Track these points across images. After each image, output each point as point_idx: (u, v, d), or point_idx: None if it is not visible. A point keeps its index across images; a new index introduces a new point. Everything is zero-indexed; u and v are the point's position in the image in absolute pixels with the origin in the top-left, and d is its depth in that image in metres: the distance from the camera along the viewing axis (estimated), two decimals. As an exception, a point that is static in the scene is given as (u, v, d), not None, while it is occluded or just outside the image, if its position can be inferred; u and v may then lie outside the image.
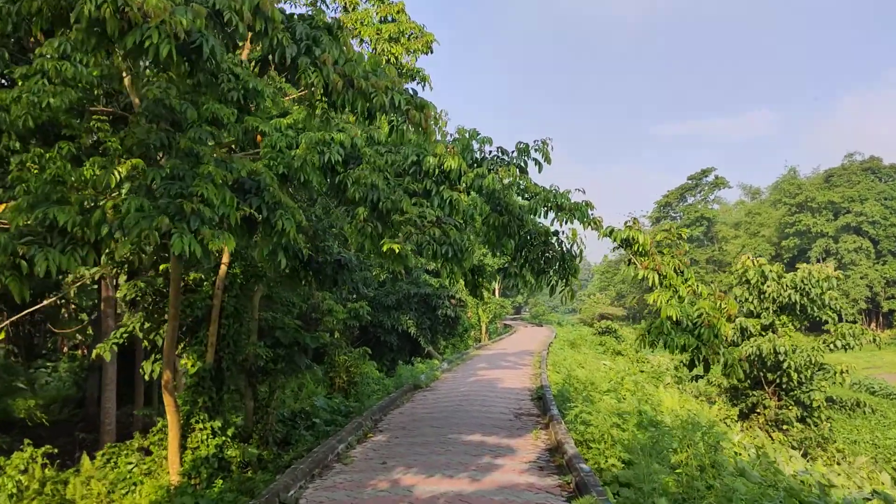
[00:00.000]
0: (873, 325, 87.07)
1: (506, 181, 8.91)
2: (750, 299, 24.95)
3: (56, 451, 14.02)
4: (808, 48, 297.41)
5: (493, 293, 73.19)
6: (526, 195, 8.92)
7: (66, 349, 34.81)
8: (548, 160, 9.17)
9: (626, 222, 8.77)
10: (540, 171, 9.20)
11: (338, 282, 15.93)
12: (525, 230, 9.46)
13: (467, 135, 9.25)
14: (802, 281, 22.59)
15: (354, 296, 23.24)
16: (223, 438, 13.18)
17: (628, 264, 8.72)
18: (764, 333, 23.35)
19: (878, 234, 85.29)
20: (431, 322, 38.85)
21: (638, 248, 8.36)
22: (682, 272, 8.29)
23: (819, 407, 22.44)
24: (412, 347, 38.96)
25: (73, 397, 27.99)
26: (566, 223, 8.61)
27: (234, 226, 6.22)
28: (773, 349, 21.57)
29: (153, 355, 14.00)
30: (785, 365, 21.60)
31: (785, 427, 22.24)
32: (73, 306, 26.30)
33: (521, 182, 8.85)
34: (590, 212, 8.70)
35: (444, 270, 8.21)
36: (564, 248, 9.61)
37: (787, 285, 22.83)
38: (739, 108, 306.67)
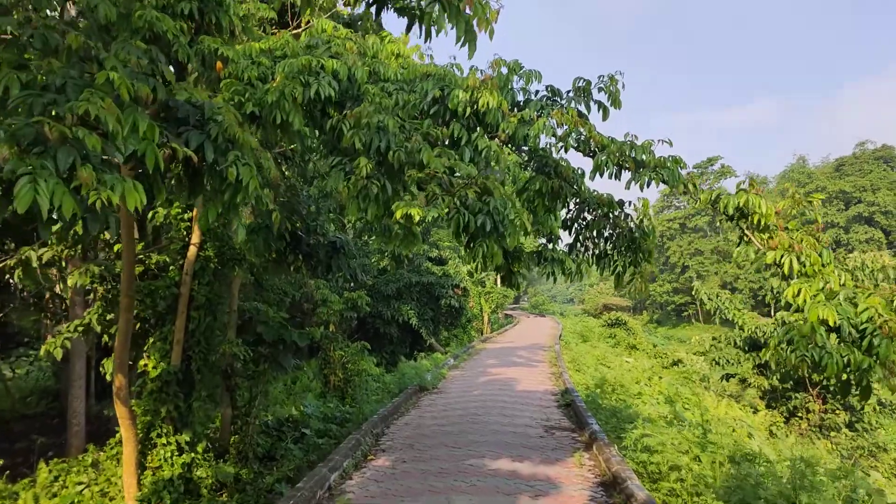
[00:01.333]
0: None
1: (559, 131, 6.47)
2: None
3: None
4: (813, 37, 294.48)
5: (496, 282, 70.89)
6: (588, 148, 6.45)
7: (49, 336, 32.47)
8: (616, 104, 6.71)
9: (739, 184, 6.30)
10: (605, 119, 6.74)
11: (332, 268, 13.51)
12: (581, 198, 7.02)
13: (505, 69, 6.78)
14: (855, 270, 20.15)
15: (352, 284, 20.79)
16: (192, 456, 10.82)
17: (744, 243, 6.25)
18: (808, 329, 20.96)
19: (890, 224, 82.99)
20: (434, 313, 36.44)
21: (758, 221, 5.91)
22: (821, 255, 5.85)
23: (870, 412, 20.10)
24: (413, 340, 36.56)
25: (51, 389, 25.78)
26: (649, 185, 6.15)
27: (154, 172, 3.79)
28: (821, 347, 19.16)
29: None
30: (835, 365, 19.22)
31: (832, 434, 19.90)
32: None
33: (581, 130, 6.38)
34: (680, 170, 6.25)
35: (477, 251, 5.78)
36: (633, 224, 7.18)
37: (836, 276, 20.42)
38: (741, 99, 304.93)
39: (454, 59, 10.48)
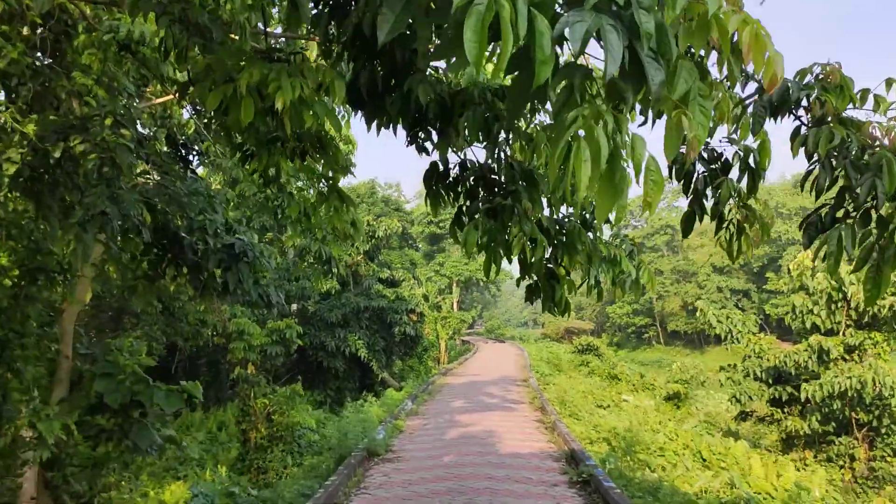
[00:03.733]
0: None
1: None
2: (816, 311, 18.68)
3: None
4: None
5: (452, 306, 66.33)
6: None
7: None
8: None
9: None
10: None
11: (229, 285, 8.88)
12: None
13: None
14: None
15: (279, 310, 16.03)
16: None
17: None
18: (848, 358, 17.05)
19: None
20: (386, 342, 31.61)
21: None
22: None
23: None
24: (363, 374, 31.64)
25: None
26: None
27: None
28: (876, 382, 15.21)
29: None
30: (894, 403, 15.30)
31: (888, 487, 15.89)
32: None
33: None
34: None
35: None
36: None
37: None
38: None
39: None
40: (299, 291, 29.23)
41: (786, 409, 18.19)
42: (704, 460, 13.20)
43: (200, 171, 13.36)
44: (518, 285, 4.53)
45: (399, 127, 3.81)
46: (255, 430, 15.65)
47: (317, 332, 29.35)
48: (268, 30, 4.42)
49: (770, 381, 18.61)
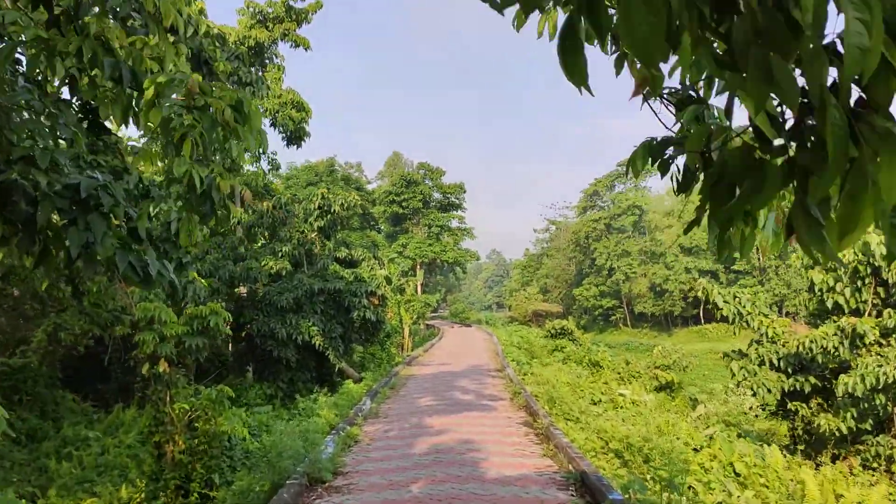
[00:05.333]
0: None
1: None
2: (839, 288, 16.14)
3: None
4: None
5: (416, 289, 63.24)
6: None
7: None
8: None
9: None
10: None
11: (72, 250, 5.67)
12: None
13: None
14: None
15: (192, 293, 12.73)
16: None
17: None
18: (884, 342, 14.50)
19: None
20: (344, 329, 28.37)
21: None
22: None
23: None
24: (318, 363, 28.42)
25: None
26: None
27: None
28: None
29: None
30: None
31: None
32: None
33: None
34: None
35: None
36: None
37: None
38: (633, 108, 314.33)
39: None
40: (244, 272, 25.86)
41: (810, 404, 15.67)
42: (738, 475, 10.49)
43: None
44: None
45: None
46: (171, 441, 12.44)
47: (266, 319, 26.05)
48: None
49: (789, 371, 16.06)
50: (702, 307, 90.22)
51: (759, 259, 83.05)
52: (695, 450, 11.68)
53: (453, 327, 71.61)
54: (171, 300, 12.90)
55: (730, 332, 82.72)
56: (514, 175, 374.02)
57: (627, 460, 10.06)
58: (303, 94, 35.21)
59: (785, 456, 13.58)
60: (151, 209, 15.60)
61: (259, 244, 30.30)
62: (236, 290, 27.01)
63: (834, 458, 15.32)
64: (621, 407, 15.69)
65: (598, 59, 2.58)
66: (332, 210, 28.38)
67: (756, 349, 16.71)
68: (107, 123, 8.37)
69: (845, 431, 14.00)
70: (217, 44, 17.09)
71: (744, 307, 17.18)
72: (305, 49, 33.76)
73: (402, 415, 14.64)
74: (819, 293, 16.59)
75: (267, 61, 34.25)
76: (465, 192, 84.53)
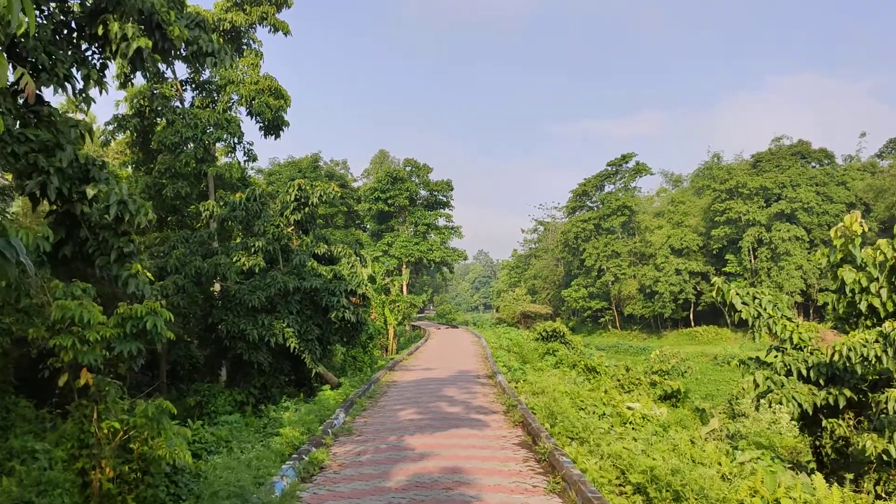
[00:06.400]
0: (801, 318, 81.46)
1: None
2: (873, 289, 14.30)
3: None
4: (694, 52, 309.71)
5: (402, 289, 61.14)
6: None
7: None
8: None
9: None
10: None
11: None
12: None
13: None
14: None
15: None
16: None
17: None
18: (932, 349, 12.61)
19: (811, 221, 79.81)
20: (322, 330, 26.17)
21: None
22: None
23: None
24: (294, 367, 26.30)
25: None
26: None
27: None
28: None
29: None
30: None
31: None
32: None
33: None
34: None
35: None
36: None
37: None
38: (628, 110, 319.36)
39: None
40: (212, 268, 23.67)
41: (843, 419, 13.82)
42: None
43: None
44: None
45: None
46: (98, 468, 10.31)
47: (235, 319, 23.84)
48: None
49: (820, 382, 14.19)
50: (692, 310, 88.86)
51: (751, 261, 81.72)
52: (723, 478, 9.77)
53: (440, 329, 69.57)
54: (99, 297, 10.76)
55: (719, 335, 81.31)
56: (503, 174, 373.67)
57: (653, 498, 8.14)
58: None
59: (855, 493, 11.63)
60: (89, 191, 12.99)
61: (237, 240, 28.15)
62: (212, 287, 24.85)
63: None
64: (630, 422, 13.74)
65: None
66: (309, 202, 26.28)
67: (781, 357, 14.83)
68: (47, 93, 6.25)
69: (894, 455, 12.12)
70: (172, 5, 14.97)
71: (765, 309, 15.30)
72: (285, 34, 31.80)
73: (380, 432, 12.59)
74: (850, 294, 14.74)
75: (245, 47, 32.23)
76: (452, 189, 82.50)
